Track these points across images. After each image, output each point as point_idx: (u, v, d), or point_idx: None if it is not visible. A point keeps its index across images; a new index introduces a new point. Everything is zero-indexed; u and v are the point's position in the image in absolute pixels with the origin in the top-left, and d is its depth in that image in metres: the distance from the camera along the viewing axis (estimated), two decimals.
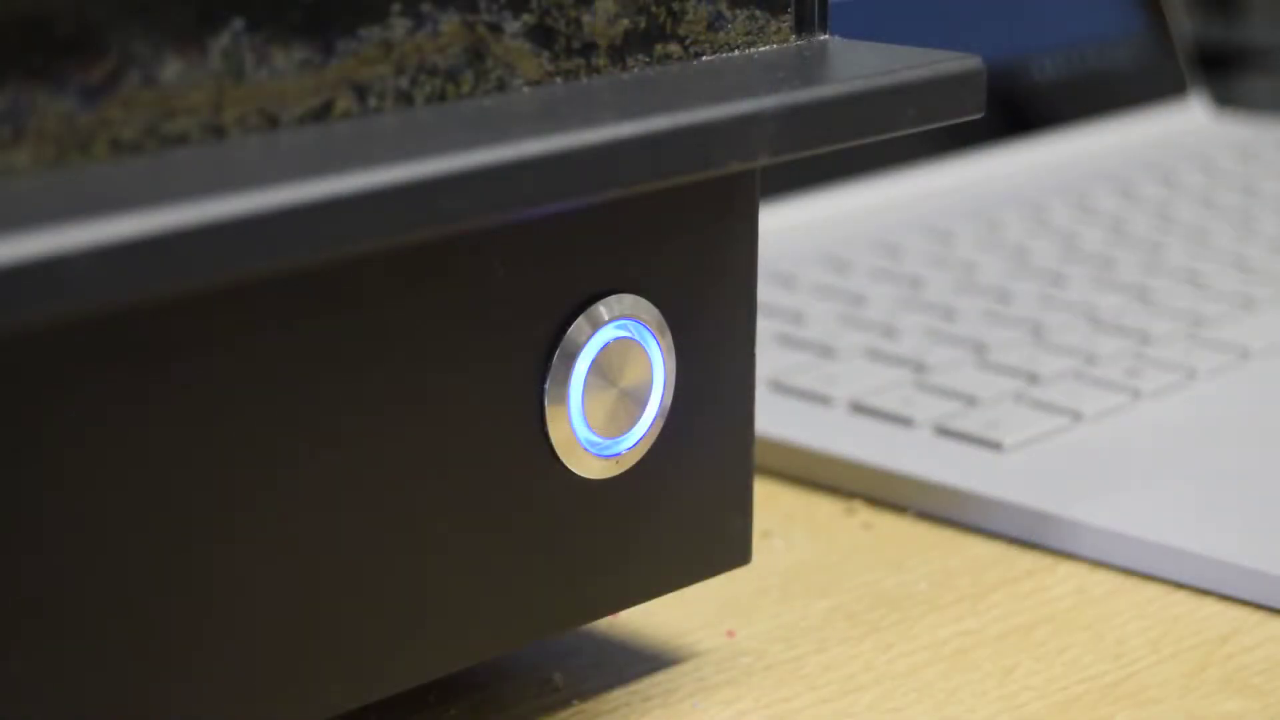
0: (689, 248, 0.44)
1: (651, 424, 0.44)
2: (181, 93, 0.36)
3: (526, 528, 0.43)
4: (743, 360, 0.46)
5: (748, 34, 0.44)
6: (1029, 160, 0.85)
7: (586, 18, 0.41)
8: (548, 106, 0.39)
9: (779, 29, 0.44)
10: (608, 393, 0.43)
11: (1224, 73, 1.02)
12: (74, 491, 0.36)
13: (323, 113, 0.37)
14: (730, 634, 0.50)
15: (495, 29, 0.40)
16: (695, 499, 0.46)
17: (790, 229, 0.76)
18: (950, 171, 0.82)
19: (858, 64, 0.43)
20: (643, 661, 0.48)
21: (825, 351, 0.64)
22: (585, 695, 0.47)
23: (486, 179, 0.36)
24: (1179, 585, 0.52)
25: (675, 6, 0.42)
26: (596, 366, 0.42)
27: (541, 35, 0.40)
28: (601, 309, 0.42)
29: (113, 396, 0.36)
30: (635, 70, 0.42)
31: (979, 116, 0.44)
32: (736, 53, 0.44)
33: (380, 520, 0.40)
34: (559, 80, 0.41)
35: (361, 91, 0.38)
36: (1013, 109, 0.86)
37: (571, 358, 0.42)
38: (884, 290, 0.70)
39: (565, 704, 0.47)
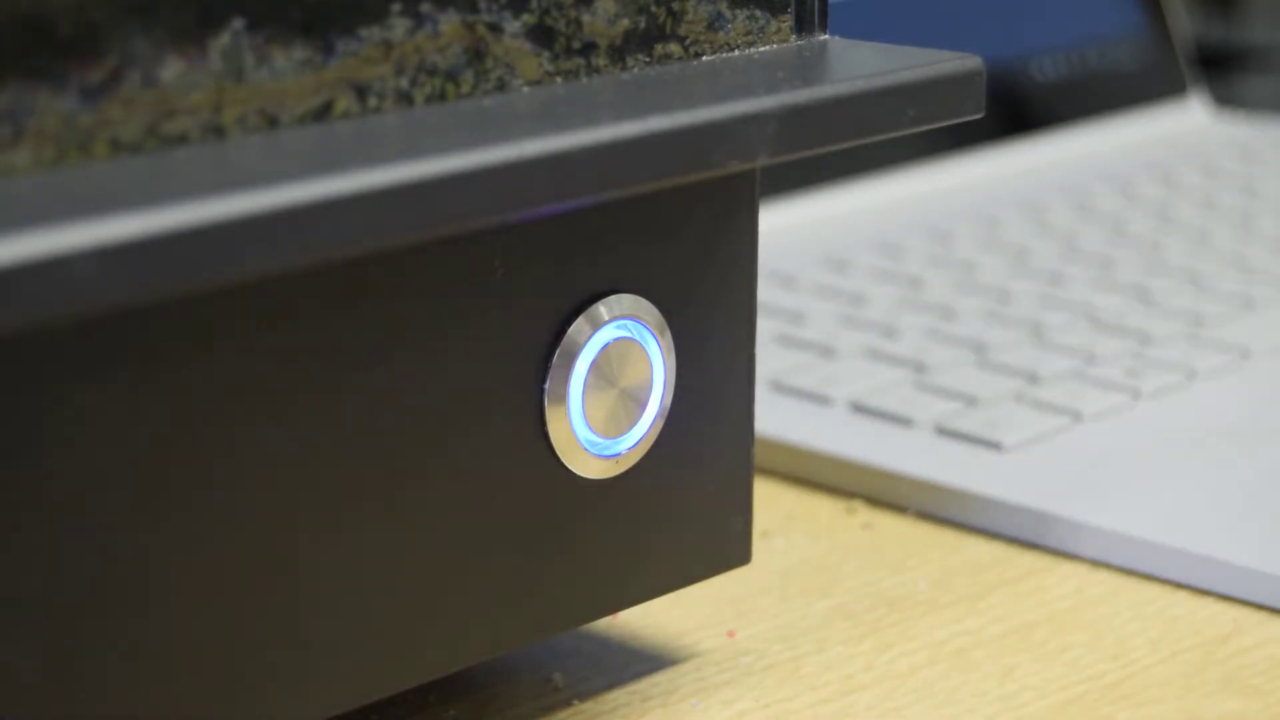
0: (689, 248, 0.44)
1: (651, 424, 0.44)
2: (181, 93, 0.36)
3: (526, 528, 0.43)
4: (743, 360, 0.46)
5: (748, 34, 0.44)
6: (1029, 160, 0.85)
7: (586, 18, 0.41)
8: (548, 106, 0.39)
9: (779, 29, 0.44)
10: (608, 393, 0.43)
11: (1224, 73, 1.02)
12: (72, 491, 0.36)
13: (323, 113, 0.38)
14: (730, 634, 0.50)
15: (495, 29, 0.40)
16: (695, 499, 0.46)
17: (790, 229, 0.76)
18: (950, 171, 0.82)
19: (858, 64, 0.43)
20: (643, 661, 0.48)
21: (825, 351, 0.64)
22: (585, 695, 0.47)
23: (486, 179, 0.36)
24: (1179, 585, 0.52)
25: (675, 6, 0.42)
26: (596, 366, 0.42)
27: (541, 35, 0.40)
28: (601, 309, 0.42)
29: (112, 396, 0.36)
30: (635, 70, 0.42)
31: (979, 116, 0.44)
32: (736, 53, 0.44)
33: (380, 520, 0.40)
34: (559, 80, 0.41)
35: (361, 91, 0.38)
36: (1013, 109, 0.86)
37: (571, 358, 0.42)
38: (884, 290, 0.70)
39: (565, 704, 0.47)
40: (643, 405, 0.44)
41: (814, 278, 0.71)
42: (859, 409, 0.60)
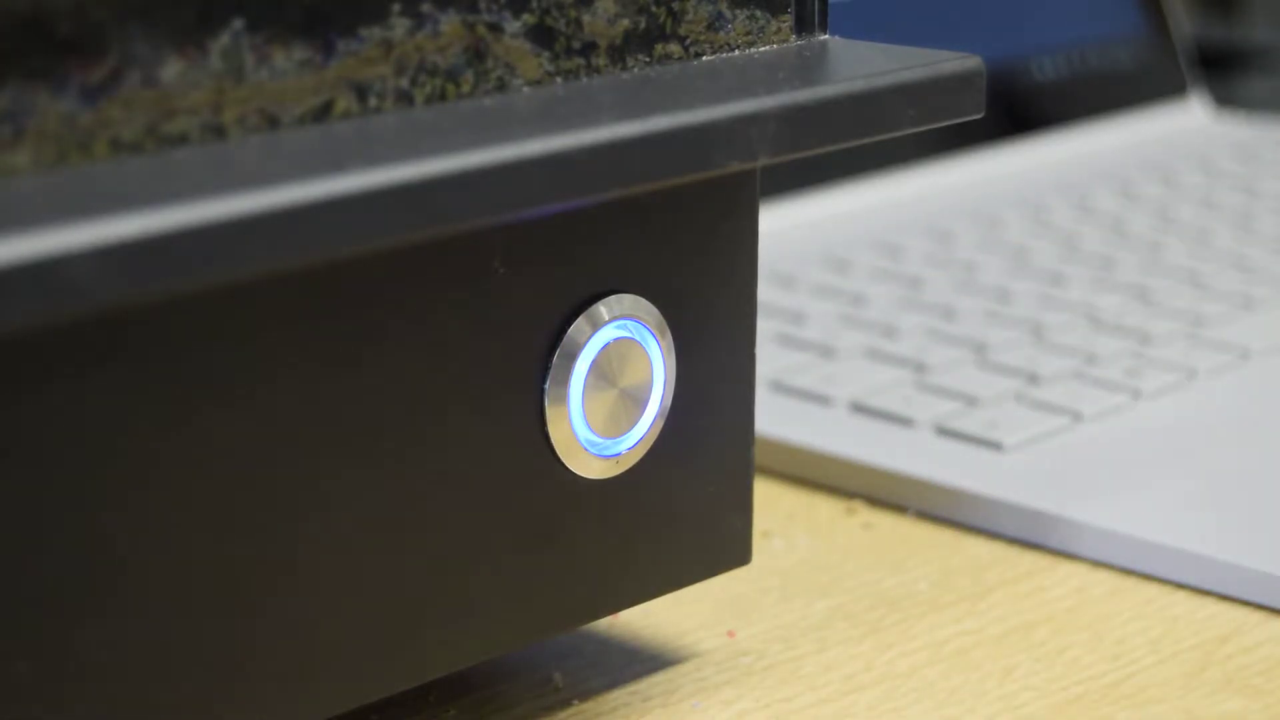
0: (689, 248, 0.44)
1: (651, 424, 0.44)
2: (181, 93, 0.36)
3: (526, 528, 0.43)
4: (743, 360, 0.46)
5: (748, 34, 0.44)
6: (1029, 160, 0.85)
7: (586, 18, 0.41)
8: (548, 106, 0.39)
9: (779, 29, 0.44)
10: (608, 393, 0.43)
11: (1224, 73, 1.02)
12: (71, 492, 0.36)
13: (323, 113, 0.38)
14: (730, 634, 0.50)
15: (495, 29, 0.40)
16: (695, 499, 0.46)
17: (790, 229, 0.76)
18: (950, 171, 0.82)
19: (858, 64, 0.43)
20: (643, 661, 0.48)
21: (825, 351, 0.64)
22: (585, 695, 0.47)
23: (486, 179, 0.36)
24: (1179, 585, 0.52)
25: (675, 6, 0.42)
26: (596, 366, 0.42)
27: (541, 35, 0.40)
28: (601, 309, 0.42)
29: (112, 397, 0.36)
30: (635, 70, 0.42)
31: (979, 116, 0.44)
32: (736, 53, 0.44)
33: (380, 520, 0.40)
34: (559, 80, 0.41)
35: (361, 91, 0.38)
36: (1013, 109, 0.86)
37: (571, 358, 0.42)
38: (884, 290, 0.70)
39: (565, 704, 0.47)
40: (643, 405, 0.44)
41: (814, 278, 0.71)
42: (859, 409, 0.60)
